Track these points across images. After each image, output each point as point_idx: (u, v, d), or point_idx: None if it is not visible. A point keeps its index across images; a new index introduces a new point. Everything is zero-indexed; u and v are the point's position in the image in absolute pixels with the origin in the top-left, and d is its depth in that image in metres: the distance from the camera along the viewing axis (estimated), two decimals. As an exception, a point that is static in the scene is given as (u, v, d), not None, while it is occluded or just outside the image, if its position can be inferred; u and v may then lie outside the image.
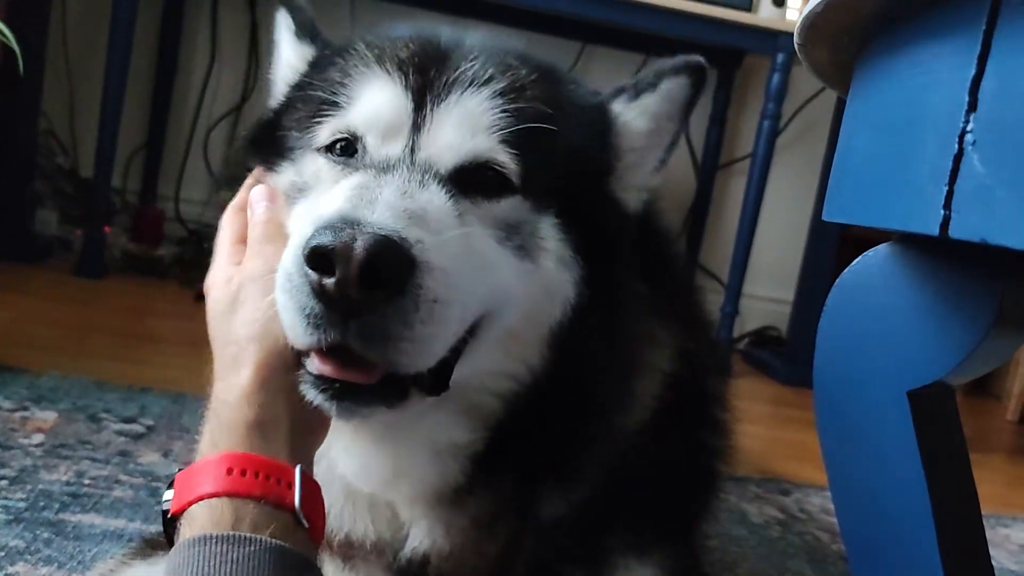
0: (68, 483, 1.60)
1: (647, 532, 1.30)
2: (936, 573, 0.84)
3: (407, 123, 1.05)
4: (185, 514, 0.87)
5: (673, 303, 1.33)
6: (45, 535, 1.41)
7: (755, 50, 3.70)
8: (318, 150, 1.10)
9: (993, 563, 0.96)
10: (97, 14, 3.68)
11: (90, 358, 2.36)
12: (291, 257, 0.90)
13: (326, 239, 0.84)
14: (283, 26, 1.31)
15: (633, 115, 1.21)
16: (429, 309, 0.88)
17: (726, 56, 4.20)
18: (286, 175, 1.14)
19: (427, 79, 1.07)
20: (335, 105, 1.09)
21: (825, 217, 0.99)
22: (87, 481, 1.63)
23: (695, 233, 4.34)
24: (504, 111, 1.05)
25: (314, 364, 0.92)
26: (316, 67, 1.21)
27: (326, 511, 1.15)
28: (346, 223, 0.85)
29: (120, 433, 1.88)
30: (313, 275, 0.85)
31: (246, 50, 4.05)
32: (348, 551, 1.19)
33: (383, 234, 0.85)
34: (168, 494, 0.90)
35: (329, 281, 0.84)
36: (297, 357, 0.95)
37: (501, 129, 1.04)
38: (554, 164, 1.09)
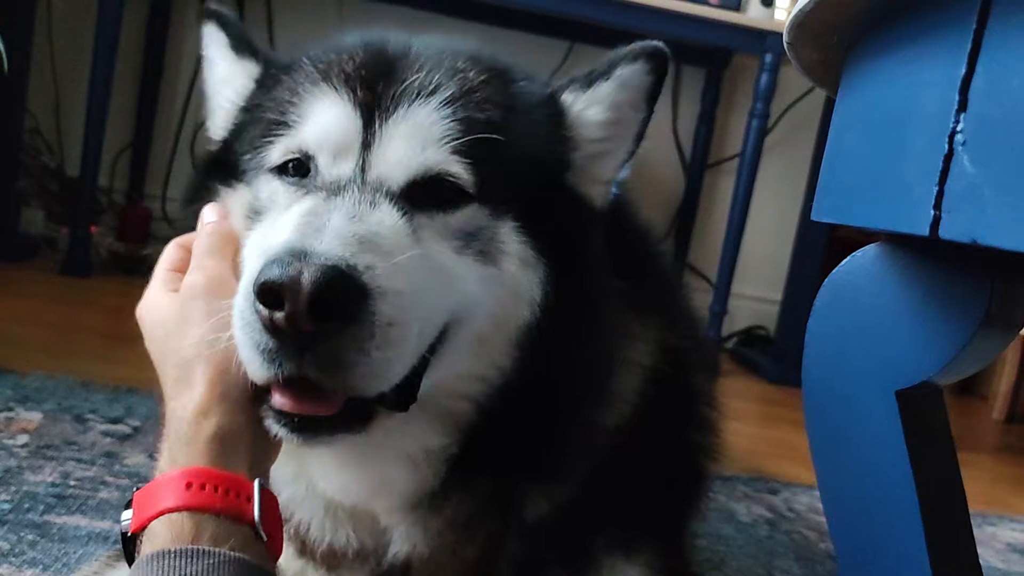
0: (53, 484, 1.59)
1: (634, 530, 1.29)
2: (924, 571, 0.85)
3: (357, 141, 1.03)
4: (146, 530, 0.86)
5: (653, 298, 1.31)
6: (30, 537, 1.40)
7: (743, 49, 3.71)
8: (271, 171, 1.08)
9: (980, 561, 0.96)
10: (83, 12, 3.66)
11: (76, 358, 2.35)
12: (243, 293, 0.89)
13: (273, 274, 0.83)
14: (216, 42, 1.26)
15: (585, 104, 1.17)
16: (384, 334, 0.87)
17: (715, 55, 4.21)
18: (242, 198, 1.12)
19: (375, 94, 1.04)
20: (284, 125, 1.08)
21: (814, 217, 0.99)
22: (72, 482, 1.61)
23: (684, 232, 4.35)
24: (454, 120, 1.03)
25: (274, 398, 0.92)
26: (263, 86, 1.19)
27: (308, 523, 1.16)
28: (293, 255, 0.84)
29: (106, 434, 1.87)
30: (264, 311, 0.85)
31: (233, 48, 4.02)
32: (332, 560, 1.19)
33: (330, 264, 0.84)
34: (127, 514, 0.90)
35: (279, 316, 0.84)
36: (261, 389, 0.94)
37: (452, 139, 1.02)
38: (508, 167, 1.07)
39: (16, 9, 3.17)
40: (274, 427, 0.93)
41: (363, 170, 1.01)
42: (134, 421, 1.97)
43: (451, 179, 1.02)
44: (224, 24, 1.26)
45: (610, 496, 1.25)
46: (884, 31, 0.85)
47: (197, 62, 4.24)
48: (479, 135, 1.03)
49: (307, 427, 0.92)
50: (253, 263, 0.91)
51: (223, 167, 1.17)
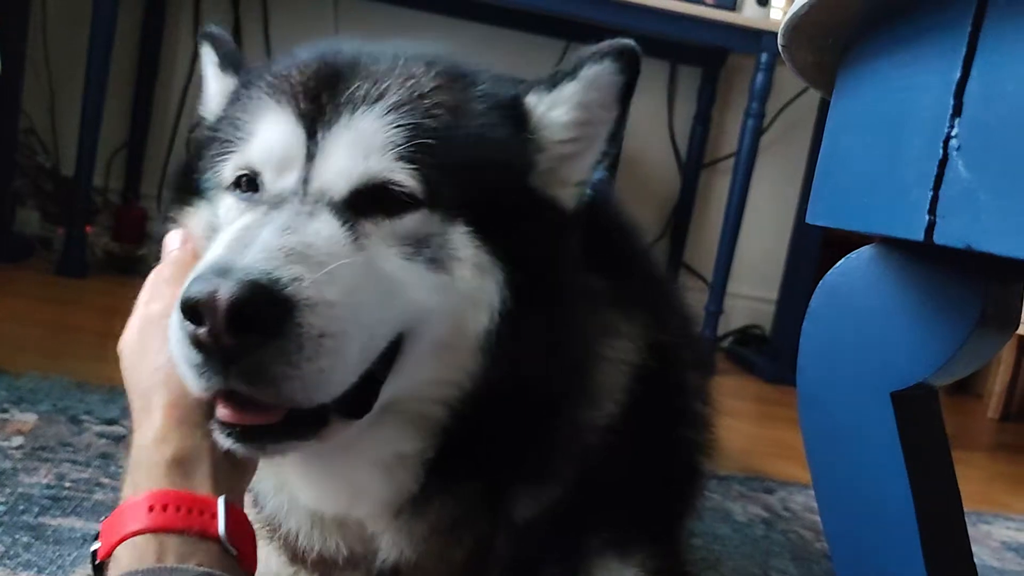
0: (48, 486, 1.59)
1: (628, 530, 1.28)
2: (919, 570, 0.85)
3: (300, 153, 1.02)
4: (112, 557, 0.86)
5: (639, 296, 1.29)
6: (24, 539, 1.40)
7: (739, 49, 3.72)
8: (227, 188, 1.09)
9: (975, 560, 0.96)
10: (78, 11, 3.66)
11: (71, 359, 2.34)
12: (174, 310, 0.89)
13: (193, 290, 0.83)
14: (209, 61, 1.28)
15: (549, 106, 1.14)
16: (315, 345, 0.87)
17: (710, 55, 4.22)
18: (203, 216, 1.13)
19: (319, 105, 1.04)
20: (236, 141, 1.08)
21: (809, 220, 0.99)
22: (67, 484, 1.61)
23: (679, 232, 4.36)
24: (398, 126, 1.01)
25: (218, 410, 0.92)
26: (229, 102, 1.19)
27: (296, 533, 1.18)
28: (216, 271, 0.84)
29: (101, 435, 1.87)
30: (189, 326, 0.85)
31: (228, 48, 4.03)
32: (323, 567, 1.19)
33: (250, 279, 0.83)
34: (95, 545, 0.89)
35: (202, 331, 0.84)
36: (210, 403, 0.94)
37: (397, 145, 1.00)
38: (459, 173, 1.04)
39: (11, 9, 3.17)
40: (221, 439, 0.93)
41: (306, 182, 1.00)
42: (129, 422, 1.96)
43: (395, 187, 1.00)
44: (215, 43, 1.27)
45: (603, 495, 1.24)
46: (879, 34, 0.85)
47: (192, 62, 4.25)
48: (425, 141, 1.01)
49: (252, 437, 0.92)
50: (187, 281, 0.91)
51: (188, 185, 1.18)
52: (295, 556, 1.21)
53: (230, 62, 1.25)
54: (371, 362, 0.96)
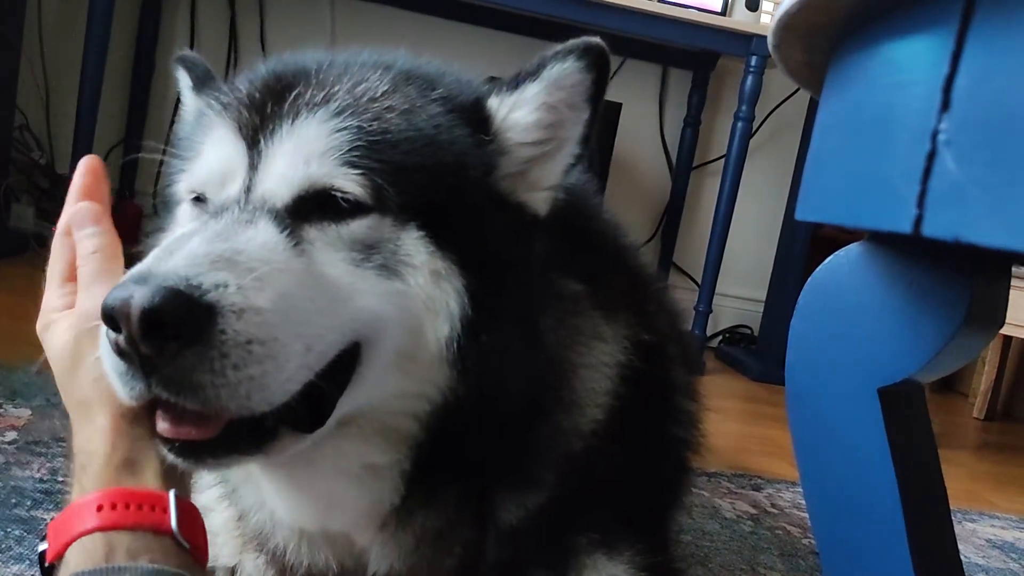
0: (41, 480, 1.59)
1: (616, 529, 1.28)
2: (905, 567, 0.85)
3: (242, 164, 1.01)
4: (62, 559, 0.85)
5: (621, 296, 1.28)
6: (16, 532, 1.40)
7: (729, 53, 3.74)
8: (188, 202, 1.09)
9: (961, 557, 0.97)
10: (74, 7, 3.65)
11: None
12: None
13: (110, 298, 0.81)
14: (183, 84, 1.28)
15: (511, 108, 1.10)
16: (243, 353, 0.83)
17: (701, 59, 4.24)
18: (175, 232, 1.12)
19: (264, 114, 1.02)
20: (187, 160, 1.08)
21: (798, 216, 0.99)
22: (61, 478, 1.61)
23: (670, 233, 4.38)
24: (341, 130, 0.98)
25: (157, 423, 0.90)
26: (193, 122, 1.19)
27: (283, 548, 1.17)
28: (135, 279, 0.82)
29: (94, 430, 1.86)
30: (111, 334, 0.83)
31: (225, 46, 4.03)
32: None
33: (165, 285, 0.81)
34: (43, 546, 0.88)
35: (120, 339, 0.82)
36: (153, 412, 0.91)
37: (340, 150, 0.98)
38: (411, 176, 1.00)
39: (6, 5, 3.16)
40: (163, 452, 0.91)
41: (248, 191, 0.99)
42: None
43: (339, 192, 0.98)
44: (189, 66, 1.27)
45: (591, 497, 1.23)
46: (868, 32, 0.85)
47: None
48: (372, 144, 0.99)
49: (191, 451, 0.90)
50: None
51: (164, 206, 1.18)
52: (284, 571, 1.20)
53: (203, 83, 1.24)
54: (317, 370, 0.92)
